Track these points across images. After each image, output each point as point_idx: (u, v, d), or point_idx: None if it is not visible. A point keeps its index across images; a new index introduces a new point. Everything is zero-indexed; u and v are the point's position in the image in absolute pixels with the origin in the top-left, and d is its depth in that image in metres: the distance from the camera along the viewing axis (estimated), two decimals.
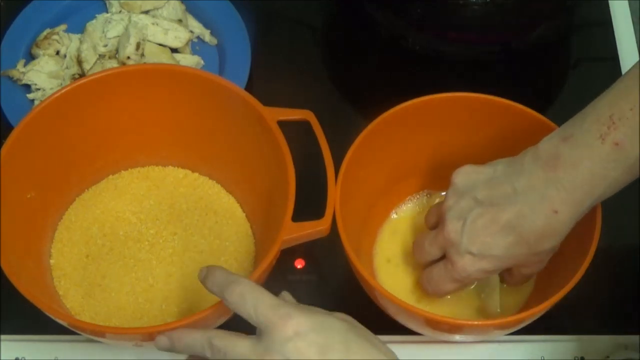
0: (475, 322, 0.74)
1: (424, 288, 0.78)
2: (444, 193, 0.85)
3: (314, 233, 0.74)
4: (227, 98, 0.79)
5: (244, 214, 0.85)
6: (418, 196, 0.87)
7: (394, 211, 0.86)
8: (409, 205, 0.87)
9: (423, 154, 0.84)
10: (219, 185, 0.87)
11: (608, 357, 0.80)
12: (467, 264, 0.73)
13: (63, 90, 0.78)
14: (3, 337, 0.81)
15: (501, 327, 0.74)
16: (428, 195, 0.87)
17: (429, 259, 0.77)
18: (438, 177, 0.85)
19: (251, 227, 0.84)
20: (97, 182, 0.86)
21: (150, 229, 0.84)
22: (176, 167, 0.88)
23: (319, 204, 0.74)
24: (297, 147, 0.76)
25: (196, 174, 0.87)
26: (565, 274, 0.72)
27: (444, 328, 0.73)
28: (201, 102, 0.81)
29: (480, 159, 0.78)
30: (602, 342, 0.81)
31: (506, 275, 0.79)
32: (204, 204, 0.85)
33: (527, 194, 0.69)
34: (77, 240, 0.83)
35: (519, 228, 0.70)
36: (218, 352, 0.62)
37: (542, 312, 0.72)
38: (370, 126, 0.78)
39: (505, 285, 0.80)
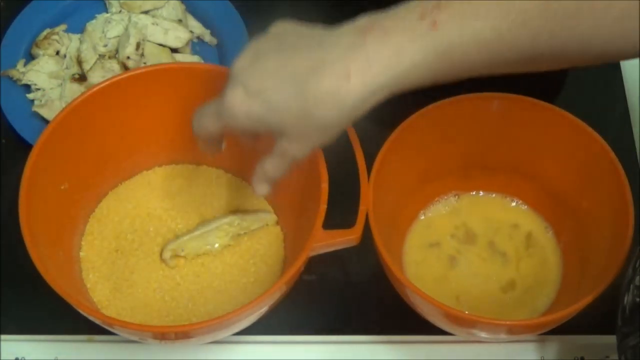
0: (506, 322, 0.74)
1: (192, 122, 0.72)
2: (473, 193, 0.86)
3: (344, 242, 0.74)
4: None
5: (276, 217, 0.85)
6: (446, 197, 0.87)
7: (422, 212, 0.86)
8: (438, 206, 0.87)
9: (453, 155, 0.84)
10: (252, 187, 0.86)
11: (608, 357, 0.80)
12: (236, 98, 0.65)
13: (102, 85, 0.79)
14: (3, 337, 0.81)
15: (536, 327, 0.75)
16: (456, 197, 0.87)
17: (206, 122, 0.70)
18: (467, 178, 0.86)
19: (282, 230, 0.84)
20: (131, 176, 0.87)
21: (180, 227, 0.84)
22: (210, 167, 0.88)
23: (348, 208, 0.75)
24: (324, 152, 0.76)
25: (229, 175, 0.87)
26: (598, 273, 0.73)
27: (481, 327, 0.73)
28: None
29: (510, 159, 0.78)
30: (602, 342, 0.81)
31: (266, 157, 0.70)
32: (236, 204, 0.85)
33: (328, 50, 0.63)
34: (108, 234, 0.83)
35: (305, 80, 0.62)
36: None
37: (579, 310, 0.72)
38: (399, 128, 0.78)
39: None
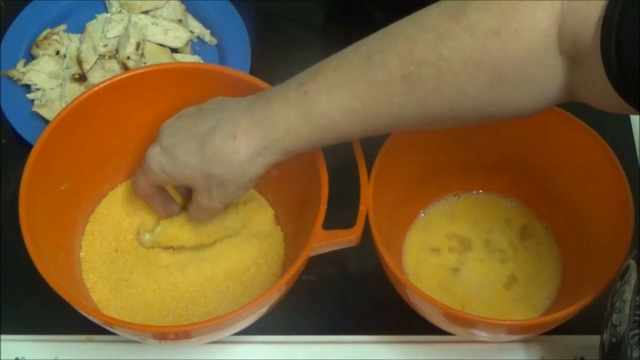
0: (506, 322, 0.74)
1: (132, 187, 0.80)
2: (474, 192, 0.86)
3: (344, 242, 0.74)
4: None
5: (276, 217, 0.85)
6: (446, 197, 0.87)
7: (422, 212, 0.86)
8: (438, 205, 0.87)
9: (453, 155, 0.84)
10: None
11: None
12: (152, 154, 0.74)
13: (102, 85, 0.79)
14: (3, 337, 0.81)
15: (536, 327, 0.75)
16: (456, 197, 0.87)
17: (138, 183, 0.78)
18: (467, 178, 0.86)
19: (282, 230, 0.84)
20: (131, 176, 0.86)
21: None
22: None
23: (348, 208, 0.75)
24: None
25: None
26: (598, 273, 0.73)
27: (481, 327, 0.74)
28: None
29: (510, 159, 0.78)
30: None
31: (189, 205, 0.79)
32: (235, 204, 0.85)
33: (226, 113, 0.71)
34: (108, 234, 0.83)
35: (205, 139, 0.70)
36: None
37: (580, 309, 0.72)
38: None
39: None
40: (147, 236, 0.82)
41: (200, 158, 0.71)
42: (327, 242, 0.73)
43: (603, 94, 0.59)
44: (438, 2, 0.64)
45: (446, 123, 0.66)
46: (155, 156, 0.73)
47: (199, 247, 0.82)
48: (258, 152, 0.69)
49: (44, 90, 0.92)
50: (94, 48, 0.94)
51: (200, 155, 0.71)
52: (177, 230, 0.81)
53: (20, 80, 0.93)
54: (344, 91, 0.66)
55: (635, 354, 0.58)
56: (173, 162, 0.72)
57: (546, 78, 0.61)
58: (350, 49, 0.68)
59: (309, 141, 0.69)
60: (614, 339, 0.62)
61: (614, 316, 0.62)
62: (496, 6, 0.60)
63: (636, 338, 0.59)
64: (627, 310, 0.61)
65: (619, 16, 0.55)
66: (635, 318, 0.59)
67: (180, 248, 0.82)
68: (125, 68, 0.92)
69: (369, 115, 0.66)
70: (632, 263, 0.63)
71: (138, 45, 0.93)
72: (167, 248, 0.82)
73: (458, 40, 0.61)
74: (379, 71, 0.64)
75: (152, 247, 0.82)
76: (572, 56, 0.60)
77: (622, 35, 0.55)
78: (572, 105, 0.70)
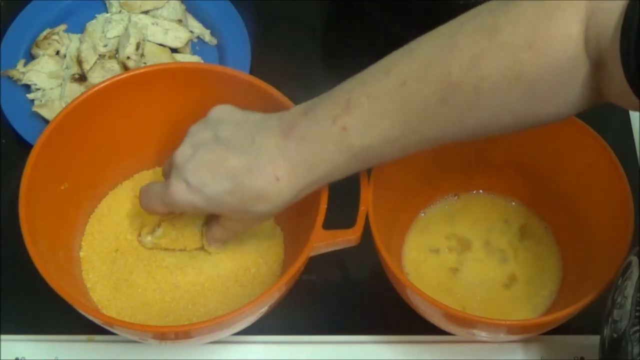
0: (506, 322, 0.74)
1: (139, 197, 0.78)
2: (474, 192, 0.86)
3: (344, 242, 0.74)
4: (262, 98, 0.79)
5: (275, 217, 0.85)
6: (446, 197, 0.87)
7: (422, 212, 0.87)
8: (438, 205, 0.87)
9: (453, 155, 0.84)
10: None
11: None
12: (178, 191, 0.71)
13: (102, 85, 0.79)
14: (3, 337, 0.81)
15: (536, 327, 0.75)
16: (456, 197, 0.87)
17: (152, 204, 0.76)
18: (467, 178, 0.86)
19: (282, 230, 0.84)
20: (130, 176, 0.86)
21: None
22: None
23: (348, 208, 0.75)
24: None
25: None
26: (598, 273, 0.73)
27: (481, 327, 0.74)
28: (235, 102, 0.81)
29: (510, 159, 0.78)
30: None
31: (213, 223, 0.78)
32: None
33: (260, 150, 0.69)
34: (108, 234, 0.83)
35: (240, 179, 0.69)
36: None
37: (579, 309, 0.72)
38: None
39: None
40: (149, 238, 0.82)
41: (239, 198, 0.70)
42: (327, 242, 0.73)
43: (624, 95, 0.59)
44: (464, 18, 0.64)
45: (485, 135, 0.66)
46: (183, 193, 0.71)
47: (199, 249, 0.82)
48: (302, 189, 0.69)
49: (44, 90, 0.92)
50: (94, 48, 0.94)
51: (239, 195, 0.69)
52: (179, 233, 0.81)
53: (20, 80, 0.93)
54: (383, 122, 0.65)
55: (636, 350, 0.58)
56: (208, 201, 0.71)
57: (578, 83, 0.61)
58: (378, 71, 0.66)
59: (352, 170, 0.70)
60: (614, 335, 0.62)
61: (615, 312, 0.62)
62: (526, 20, 0.60)
63: (637, 334, 0.59)
64: (628, 306, 0.61)
65: (639, 18, 0.55)
66: (637, 314, 0.59)
67: (182, 250, 0.82)
68: (125, 68, 0.92)
69: (410, 140, 0.66)
70: (635, 259, 0.63)
71: (138, 45, 0.93)
72: (168, 250, 0.82)
73: (494, 59, 0.61)
74: (416, 98, 0.64)
75: (153, 249, 0.82)
76: (597, 59, 0.60)
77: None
78: None
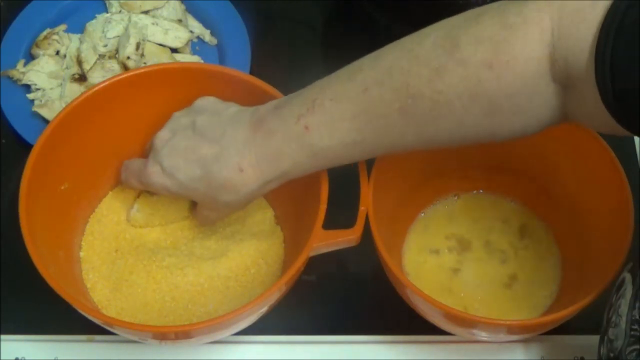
0: (506, 322, 0.74)
1: (121, 170, 0.81)
2: (474, 192, 0.86)
3: (344, 242, 0.74)
4: (262, 98, 0.79)
5: (276, 217, 0.85)
6: (446, 197, 0.87)
7: (422, 212, 0.87)
8: (438, 205, 0.87)
9: (452, 155, 0.84)
10: None
11: None
12: (154, 173, 0.74)
13: (102, 85, 0.79)
14: (3, 337, 0.81)
15: (536, 327, 0.75)
16: (456, 197, 0.87)
17: (130, 180, 0.79)
18: (467, 178, 0.86)
19: (282, 230, 0.84)
20: None
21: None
22: None
23: (348, 208, 0.75)
24: None
25: None
26: (598, 273, 0.73)
27: (482, 327, 0.74)
28: (235, 102, 0.81)
29: (510, 160, 0.78)
30: None
31: (193, 210, 0.82)
32: None
33: (230, 142, 0.71)
34: (108, 234, 0.84)
35: (209, 167, 0.71)
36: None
37: (578, 310, 0.72)
38: None
39: None
40: (131, 214, 0.83)
41: (207, 184, 0.72)
42: (327, 242, 0.73)
43: (596, 117, 0.59)
44: (430, 30, 0.64)
45: (449, 145, 0.67)
46: (158, 175, 0.74)
47: (199, 248, 0.82)
48: (266, 182, 0.71)
49: (44, 90, 0.92)
50: (94, 48, 0.94)
51: (207, 182, 0.72)
52: (153, 209, 0.83)
53: (20, 80, 0.93)
54: (344, 125, 0.66)
55: None
56: (179, 185, 0.74)
57: (540, 105, 0.62)
58: (344, 75, 0.68)
59: (313, 169, 0.71)
60: (611, 354, 0.62)
61: (610, 330, 0.62)
62: (488, 39, 0.60)
63: (634, 354, 0.58)
64: (623, 325, 0.61)
65: (613, 42, 0.55)
66: (632, 333, 0.59)
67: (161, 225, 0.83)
68: (125, 68, 0.92)
69: (369, 145, 0.67)
70: (628, 276, 0.62)
71: (138, 45, 0.93)
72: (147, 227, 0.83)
73: (452, 75, 0.61)
74: (376, 105, 0.65)
75: (135, 226, 0.83)
76: (563, 81, 0.60)
77: (616, 60, 0.55)
78: None
